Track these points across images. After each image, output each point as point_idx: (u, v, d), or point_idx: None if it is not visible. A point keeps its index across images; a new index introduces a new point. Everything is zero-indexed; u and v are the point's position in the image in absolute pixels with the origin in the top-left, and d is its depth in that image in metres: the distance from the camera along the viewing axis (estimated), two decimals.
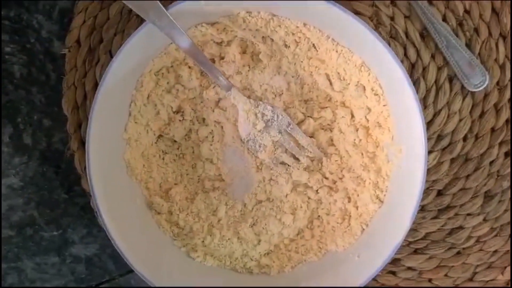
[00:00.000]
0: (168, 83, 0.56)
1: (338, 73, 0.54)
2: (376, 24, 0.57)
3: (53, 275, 0.64)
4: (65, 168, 0.62)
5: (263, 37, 0.55)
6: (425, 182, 0.54)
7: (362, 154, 0.55)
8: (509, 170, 0.58)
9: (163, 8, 0.48)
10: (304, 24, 0.52)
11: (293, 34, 0.53)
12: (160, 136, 0.58)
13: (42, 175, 0.62)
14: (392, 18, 0.58)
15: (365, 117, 0.54)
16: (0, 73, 0.60)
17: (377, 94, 0.53)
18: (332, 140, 0.57)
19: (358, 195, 0.55)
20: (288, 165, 0.57)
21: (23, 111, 0.61)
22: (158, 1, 0.48)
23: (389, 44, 0.57)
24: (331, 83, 0.55)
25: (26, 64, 0.61)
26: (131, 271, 0.63)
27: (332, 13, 0.48)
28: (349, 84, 0.54)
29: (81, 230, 0.64)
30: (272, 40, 0.55)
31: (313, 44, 0.54)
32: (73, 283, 0.65)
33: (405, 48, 0.58)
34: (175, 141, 0.58)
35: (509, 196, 0.59)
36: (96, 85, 0.58)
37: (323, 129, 0.57)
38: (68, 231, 0.63)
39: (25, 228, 0.63)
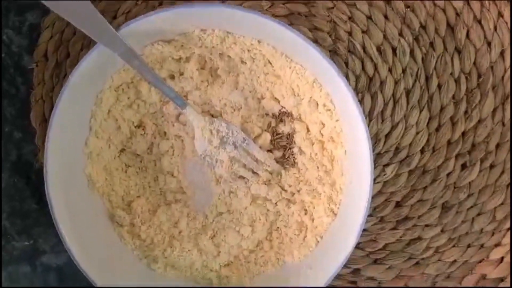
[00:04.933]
0: (128, 98, 0.57)
1: (292, 89, 0.55)
2: (334, 39, 0.58)
3: (25, 284, 0.64)
4: (35, 179, 0.62)
5: (220, 53, 0.55)
6: (382, 192, 0.55)
7: (317, 167, 0.56)
8: (465, 182, 0.59)
9: (114, 31, 0.49)
10: (259, 41, 0.53)
11: (248, 51, 0.54)
12: (122, 149, 0.58)
13: (13, 186, 0.62)
14: (349, 33, 0.58)
15: (320, 131, 0.55)
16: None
17: (329, 110, 0.53)
18: (290, 153, 0.58)
19: (314, 208, 0.56)
20: (247, 179, 0.58)
21: None
22: (108, 24, 0.48)
23: (347, 59, 0.58)
24: (286, 99, 0.56)
25: None
26: None
27: (283, 34, 0.48)
28: (302, 99, 0.55)
29: (52, 239, 0.64)
30: (229, 56, 0.55)
31: (269, 60, 0.55)
32: None
33: (362, 62, 0.58)
34: (137, 154, 0.59)
35: (466, 207, 0.59)
36: None
37: (280, 143, 0.58)
38: (39, 240, 0.64)
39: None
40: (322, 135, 0.55)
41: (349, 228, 0.51)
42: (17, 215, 0.63)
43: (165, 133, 0.59)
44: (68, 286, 0.64)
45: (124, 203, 0.58)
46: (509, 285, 0.59)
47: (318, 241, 0.55)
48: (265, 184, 0.57)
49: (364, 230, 0.58)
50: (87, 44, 0.60)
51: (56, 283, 0.65)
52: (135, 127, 0.58)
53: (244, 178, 0.58)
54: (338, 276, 0.59)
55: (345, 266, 0.59)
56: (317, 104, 0.54)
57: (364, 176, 0.50)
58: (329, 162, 0.55)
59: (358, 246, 0.60)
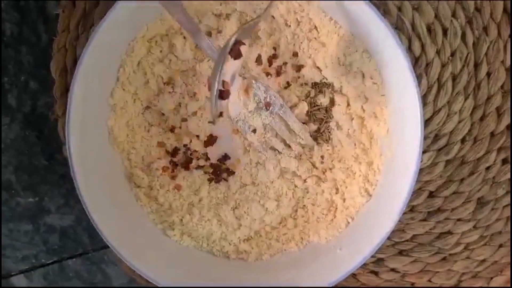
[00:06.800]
0: (161, 51, 0.54)
1: (338, 58, 0.52)
2: (382, 13, 0.55)
3: (25, 243, 0.62)
4: (47, 134, 0.60)
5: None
6: (416, 181, 0.52)
7: (355, 145, 0.53)
8: (505, 177, 0.56)
9: None
10: (308, 3, 0.50)
11: (295, 12, 0.51)
12: (147, 107, 0.55)
13: (24, 139, 0.60)
14: (399, 9, 0.55)
15: (362, 106, 0.52)
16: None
17: (375, 83, 0.51)
18: (326, 128, 0.55)
19: (346, 187, 0.53)
20: (278, 151, 0.55)
21: (10, 71, 0.59)
22: None
23: None
24: (329, 68, 0.53)
25: (18, 23, 0.59)
26: (105, 246, 0.62)
27: None
28: (348, 70, 0.52)
29: (58, 200, 0.62)
30: (273, 17, 0.53)
31: (315, 26, 0.52)
32: (44, 253, 0.63)
33: (410, 41, 0.55)
34: (162, 114, 0.56)
35: (503, 205, 0.57)
36: None
37: (317, 115, 0.55)
38: (44, 199, 0.61)
39: (0, 192, 0.61)
40: (363, 110, 0.52)
41: (386, 211, 0.48)
42: (25, 170, 0.61)
43: (195, 93, 0.55)
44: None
45: (144, 164, 0.55)
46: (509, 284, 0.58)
47: (348, 222, 0.52)
48: (296, 158, 0.54)
49: None
50: None
51: (57, 246, 0.63)
52: (164, 83, 0.55)
53: (275, 150, 0.55)
54: None
55: None
56: (363, 76, 0.51)
57: (409, 159, 0.47)
58: (367, 139, 0.53)
59: None
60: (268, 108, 0.52)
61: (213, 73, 0.44)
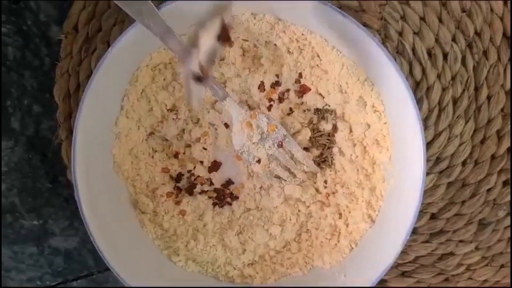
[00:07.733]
0: (164, 79, 0.54)
1: (340, 86, 0.52)
2: (383, 38, 0.56)
3: (29, 265, 0.62)
4: (51, 157, 0.60)
5: (266, 41, 0.53)
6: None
7: (357, 170, 0.53)
8: (506, 199, 0.57)
9: (156, 11, 0.45)
10: (310, 32, 0.50)
11: (297, 41, 0.51)
12: (151, 133, 0.56)
13: (27, 162, 0.60)
14: (400, 34, 0.56)
15: (364, 133, 0.53)
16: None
17: (377, 111, 0.51)
18: (328, 153, 0.55)
19: (349, 212, 0.54)
20: (283, 179, 0.55)
21: (13, 94, 0.59)
22: (150, 2, 0.45)
23: (395, 60, 0.55)
24: (331, 95, 0.53)
25: (20, 47, 0.58)
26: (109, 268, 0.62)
27: (338, 22, 0.46)
28: (350, 98, 0.52)
29: (63, 222, 0.62)
30: (275, 45, 0.53)
31: (317, 54, 0.52)
32: (49, 275, 0.63)
33: (410, 65, 0.56)
34: (166, 140, 0.56)
35: (504, 226, 0.57)
36: (90, 75, 0.55)
37: (319, 141, 0.55)
38: (49, 221, 0.61)
39: (5, 214, 0.61)
40: (365, 137, 0.53)
41: (390, 239, 0.49)
42: (29, 193, 0.61)
43: (198, 119, 0.56)
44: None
45: (149, 190, 0.55)
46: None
47: (352, 248, 0.53)
48: (300, 185, 0.55)
49: None
50: (121, 20, 0.57)
51: (62, 268, 0.63)
52: (168, 110, 0.55)
53: (279, 178, 0.55)
54: None
55: None
56: (366, 104, 0.51)
57: (412, 186, 0.48)
58: (370, 165, 0.53)
59: None
60: (276, 142, 0.52)
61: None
